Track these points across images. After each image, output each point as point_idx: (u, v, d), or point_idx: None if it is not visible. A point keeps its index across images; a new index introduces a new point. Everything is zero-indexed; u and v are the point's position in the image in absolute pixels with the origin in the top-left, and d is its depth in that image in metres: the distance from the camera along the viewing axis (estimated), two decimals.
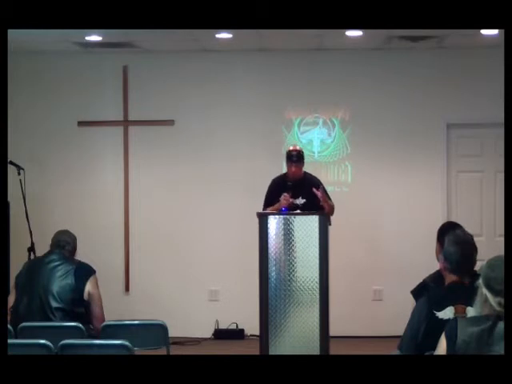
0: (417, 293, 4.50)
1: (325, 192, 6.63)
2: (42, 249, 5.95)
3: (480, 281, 3.04)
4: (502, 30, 3.65)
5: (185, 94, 8.56)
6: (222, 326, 8.45)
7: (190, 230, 8.54)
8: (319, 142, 8.49)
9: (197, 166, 8.53)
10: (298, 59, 8.45)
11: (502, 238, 3.59)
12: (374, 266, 8.35)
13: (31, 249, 7.55)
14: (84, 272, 5.20)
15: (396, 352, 3.74)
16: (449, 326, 3.06)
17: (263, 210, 6.67)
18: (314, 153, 8.46)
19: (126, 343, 4.21)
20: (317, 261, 6.25)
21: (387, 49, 8.31)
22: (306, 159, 8.36)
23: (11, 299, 5.16)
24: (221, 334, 8.37)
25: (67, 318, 5.05)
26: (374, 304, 8.40)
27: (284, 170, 7.68)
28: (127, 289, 8.60)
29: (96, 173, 8.65)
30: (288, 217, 6.32)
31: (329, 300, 6.33)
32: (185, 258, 8.54)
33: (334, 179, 8.39)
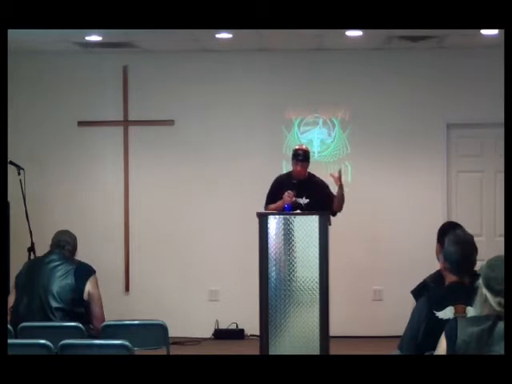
0: (417, 293, 4.50)
1: (329, 196, 6.66)
2: (41, 249, 5.95)
3: (480, 281, 3.04)
4: (502, 30, 3.65)
5: (185, 94, 8.56)
6: (222, 326, 8.45)
7: (189, 230, 8.54)
8: (319, 142, 8.49)
9: (197, 166, 8.53)
10: (298, 59, 8.45)
11: (502, 238, 3.59)
12: (374, 266, 8.35)
13: (31, 249, 7.55)
14: (84, 272, 5.20)
15: (396, 352, 3.74)
16: (449, 326, 3.06)
17: (265, 206, 6.67)
18: (313, 153, 8.44)
19: (126, 343, 4.21)
20: (317, 261, 6.25)
21: (387, 49, 8.31)
22: None
23: (11, 299, 5.16)
24: (221, 334, 8.37)
25: (67, 318, 5.05)
26: (374, 304, 8.40)
27: (284, 169, 7.71)
28: (127, 289, 8.60)
29: (96, 173, 8.65)
30: (288, 217, 6.33)
31: (329, 300, 6.33)
32: (185, 258, 8.54)
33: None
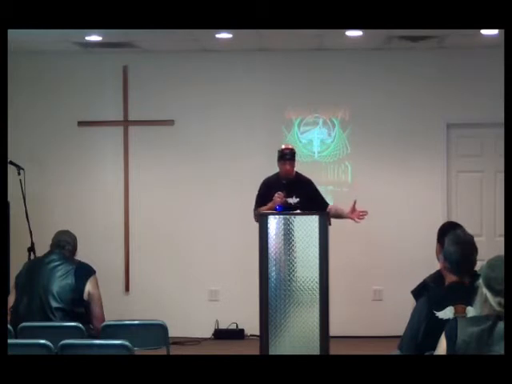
0: (417, 293, 4.50)
1: (317, 191, 6.72)
2: (42, 249, 5.95)
3: (480, 281, 3.04)
4: (502, 30, 3.65)
5: (185, 94, 8.56)
6: (222, 326, 8.45)
7: (189, 230, 8.54)
8: (319, 141, 8.49)
9: (197, 166, 8.53)
10: (298, 59, 8.45)
11: (502, 238, 3.59)
12: (374, 266, 8.35)
13: (31, 249, 7.55)
14: (84, 272, 5.20)
15: (396, 352, 3.74)
16: (449, 326, 3.06)
17: (254, 209, 6.71)
18: (313, 153, 8.47)
19: (126, 343, 4.21)
20: (317, 261, 6.25)
21: (387, 49, 8.31)
22: (306, 159, 8.40)
23: (11, 299, 5.16)
24: (221, 334, 8.37)
25: (67, 318, 5.05)
26: (374, 304, 8.40)
27: None
28: (127, 289, 8.60)
29: (96, 173, 8.65)
30: (288, 217, 6.32)
31: (329, 300, 6.33)
32: (185, 258, 8.54)
33: (334, 179, 8.39)
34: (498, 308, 2.97)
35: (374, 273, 8.37)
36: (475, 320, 3.02)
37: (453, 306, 3.66)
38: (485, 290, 3.01)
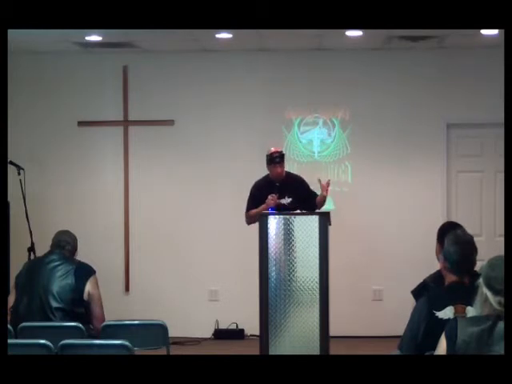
0: (417, 293, 4.50)
1: (309, 189, 6.75)
2: (42, 249, 5.95)
3: (480, 280, 3.04)
4: (502, 30, 3.65)
5: (185, 94, 8.56)
6: (222, 326, 8.45)
7: (189, 230, 8.54)
8: (319, 141, 8.49)
9: (197, 166, 8.53)
10: (298, 59, 8.45)
11: (502, 238, 3.59)
12: (374, 266, 8.35)
13: (31, 249, 7.55)
14: (84, 272, 5.20)
15: (396, 352, 3.74)
16: (449, 326, 3.06)
17: (246, 212, 6.74)
18: (313, 153, 8.47)
19: (126, 343, 4.21)
20: (317, 261, 6.25)
21: (387, 49, 8.31)
22: (306, 159, 8.40)
23: (11, 299, 5.16)
24: (221, 334, 8.37)
25: (67, 317, 5.05)
26: (373, 304, 8.40)
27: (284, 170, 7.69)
28: (127, 289, 8.60)
29: (96, 173, 8.65)
30: (288, 217, 6.33)
31: (329, 300, 6.33)
32: (185, 258, 8.54)
33: (334, 179, 8.38)
34: (498, 307, 2.97)
35: (374, 273, 8.37)
36: (475, 320, 3.02)
37: (453, 305, 3.66)
38: (485, 290, 3.01)
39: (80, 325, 4.80)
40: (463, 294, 3.64)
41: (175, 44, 8.09)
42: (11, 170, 7.36)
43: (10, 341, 3.66)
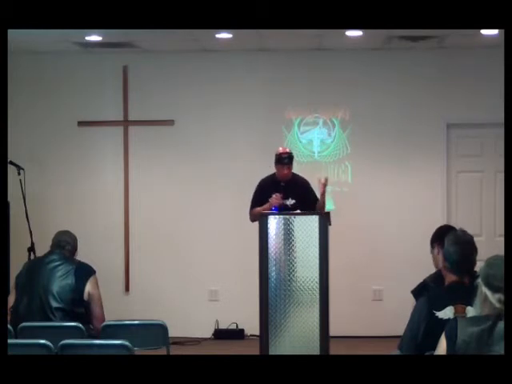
0: (417, 293, 4.50)
1: (313, 194, 6.72)
2: (42, 249, 5.95)
3: (479, 280, 3.05)
4: (502, 30, 3.65)
5: (185, 94, 8.56)
6: (222, 326, 8.45)
7: (189, 230, 8.54)
8: (319, 141, 8.49)
9: (197, 166, 8.53)
10: (298, 59, 8.45)
11: (502, 238, 3.59)
12: (374, 266, 8.34)
13: (31, 249, 7.55)
14: (84, 272, 5.20)
15: (396, 352, 3.74)
16: (449, 326, 3.06)
17: (250, 209, 6.72)
18: (313, 153, 8.47)
19: (126, 343, 4.21)
20: (317, 261, 6.25)
21: (387, 49, 8.31)
22: (306, 159, 8.41)
23: (11, 299, 5.16)
24: (221, 334, 8.37)
25: (67, 317, 5.05)
26: (373, 304, 8.40)
27: None
28: (127, 289, 8.60)
29: (96, 173, 8.65)
30: (288, 217, 6.33)
31: (329, 300, 6.33)
32: (185, 258, 8.54)
33: (334, 179, 8.38)
34: (498, 305, 2.97)
35: (374, 273, 8.37)
36: (475, 320, 3.02)
37: (453, 305, 3.67)
38: (484, 289, 3.01)
39: (80, 325, 4.80)
40: (463, 293, 3.65)
41: (175, 44, 8.09)
42: (11, 170, 7.36)
43: (9, 341, 3.66)
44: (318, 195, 6.68)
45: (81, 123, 8.59)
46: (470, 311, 3.50)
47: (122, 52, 8.44)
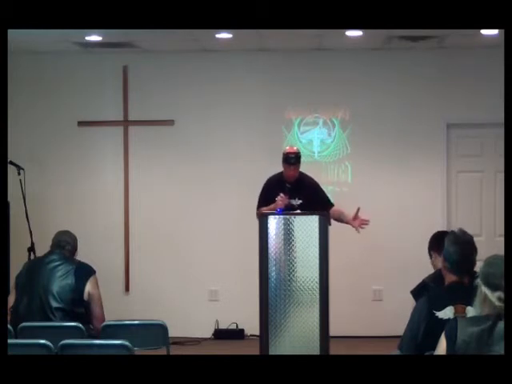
0: (417, 293, 4.50)
1: (321, 192, 6.71)
2: (42, 249, 5.95)
3: (479, 280, 3.05)
4: (502, 30, 3.65)
5: (185, 94, 8.56)
6: (222, 326, 8.45)
7: (190, 230, 8.54)
8: (319, 141, 8.49)
9: (197, 166, 8.53)
10: (298, 59, 8.45)
11: (502, 238, 3.60)
12: (374, 266, 8.34)
13: (31, 249, 7.55)
14: (84, 272, 5.20)
15: (396, 352, 3.74)
16: (449, 326, 3.06)
17: (258, 208, 6.68)
18: (313, 153, 8.47)
19: (126, 343, 4.21)
20: (317, 261, 6.24)
21: (387, 49, 8.31)
22: (306, 159, 8.38)
23: (11, 299, 5.16)
24: (221, 334, 8.37)
25: (67, 317, 5.05)
26: (374, 304, 8.40)
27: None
28: (127, 289, 8.60)
29: (96, 173, 8.65)
30: (288, 217, 6.32)
31: (329, 300, 6.33)
32: (185, 258, 8.54)
33: (334, 179, 8.39)
34: (498, 303, 2.96)
35: (374, 273, 8.37)
36: (475, 320, 3.02)
37: (453, 305, 3.67)
38: (484, 288, 3.02)
39: (80, 325, 4.80)
40: (463, 293, 3.65)
41: (175, 44, 8.09)
42: (11, 170, 7.36)
43: (9, 341, 3.66)
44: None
45: (81, 123, 8.59)
46: (470, 311, 3.50)
47: (122, 52, 8.43)
